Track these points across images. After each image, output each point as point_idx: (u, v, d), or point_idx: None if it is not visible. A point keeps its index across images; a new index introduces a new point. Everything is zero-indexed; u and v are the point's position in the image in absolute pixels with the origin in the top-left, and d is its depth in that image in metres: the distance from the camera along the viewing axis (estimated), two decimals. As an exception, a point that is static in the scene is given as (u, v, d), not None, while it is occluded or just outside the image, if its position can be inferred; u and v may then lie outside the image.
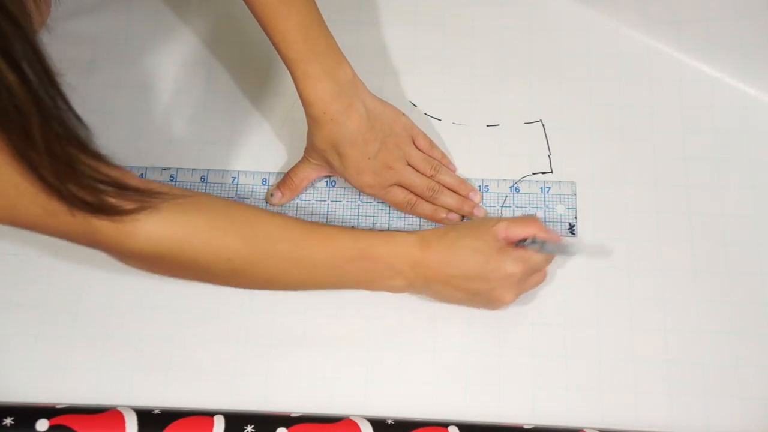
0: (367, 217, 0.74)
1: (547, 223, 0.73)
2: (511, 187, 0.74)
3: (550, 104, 0.78)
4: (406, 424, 0.64)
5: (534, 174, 0.75)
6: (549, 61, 0.79)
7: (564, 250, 0.67)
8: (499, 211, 0.74)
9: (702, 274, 0.71)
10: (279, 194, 0.74)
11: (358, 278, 0.65)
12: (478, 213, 0.74)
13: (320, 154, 0.70)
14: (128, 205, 0.55)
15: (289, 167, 0.74)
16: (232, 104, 0.78)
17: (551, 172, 0.75)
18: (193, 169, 0.76)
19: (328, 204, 0.75)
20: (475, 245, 0.65)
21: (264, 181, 0.75)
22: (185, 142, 0.77)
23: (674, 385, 0.68)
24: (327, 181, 0.76)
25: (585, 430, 0.65)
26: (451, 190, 0.74)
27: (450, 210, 0.73)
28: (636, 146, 0.76)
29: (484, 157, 0.76)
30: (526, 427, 0.65)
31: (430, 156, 0.74)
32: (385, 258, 0.64)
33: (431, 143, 0.75)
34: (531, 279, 0.67)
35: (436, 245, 0.65)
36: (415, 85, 0.79)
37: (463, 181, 0.75)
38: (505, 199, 0.74)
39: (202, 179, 0.75)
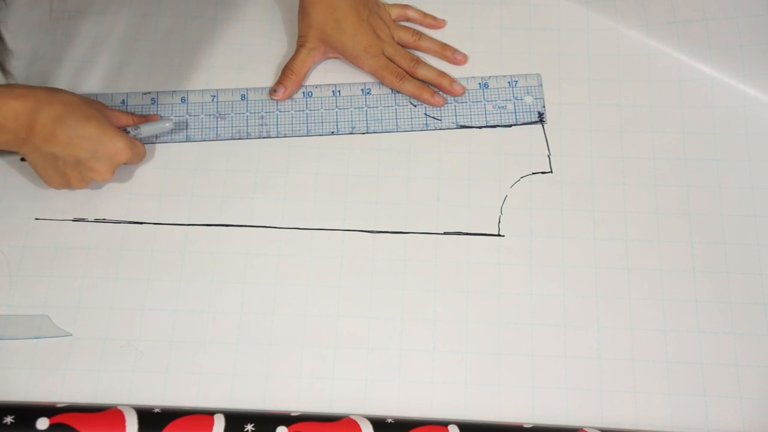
0: (345, 123, 0.77)
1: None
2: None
3: (550, 104, 0.78)
4: (406, 423, 0.64)
5: (534, 174, 0.75)
6: (549, 61, 0.79)
7: (157, 128, 0.75)
8: (499, 211, 0.74)
9: (702, 274, 0.71)
10: (282, 88, 0.78)
11: None
12: (454, 90, 0.77)
13: (317, 28, 0.76)
14: None
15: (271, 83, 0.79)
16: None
17: (551, 172, 0.75)
18: (174, 91, 0.79)
19: (306, 113, 0.78)
20: (90, 113, 0.69)
21: (242, 96, 0.79)
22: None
23: (674, 385, 0.68)
24: (304, 92, 0.78)
25: (585, 429, 0.65)
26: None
27: (431, 83, 0.78)
28: (636, 146, 0.76)
29: (484, 157, 0.76)
30: (526, 426, 0.65)
31: (407, 19, 0.81)
32: None
33: (405, 5, 0.81)
34: (133, 159, 0.73)
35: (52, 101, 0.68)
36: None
37: (445, 45, 0.79)
38: (505, 199, 0.74)
39: (182, 100, 0.78)
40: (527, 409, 0.67)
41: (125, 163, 0.73)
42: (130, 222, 0.74)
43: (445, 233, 0.73)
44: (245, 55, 0.81)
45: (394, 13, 0.80)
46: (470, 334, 0.70)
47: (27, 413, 0.63)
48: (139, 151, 0.73)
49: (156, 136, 0.76)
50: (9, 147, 0.69)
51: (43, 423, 0.62)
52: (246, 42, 0.81)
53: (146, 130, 0.75)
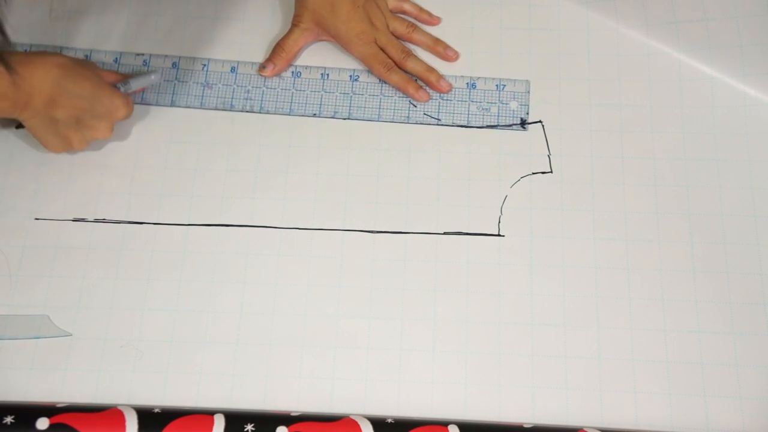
0: (329, 107, 0.78)
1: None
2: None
3: (550, 104, 0.78)
4: (406, 423, 0.64)
5: (534, 174, 0.75)
6: (549, 61, 0.79)
7: (145, 81, 0.77)
8: (499, 211, 0.74)
9: (702, 274, 0.71)
10: (271, 65, 0.78)
11: None
12: (441, 87, 0.78)
13: (312, 10, 0.77)
14: None
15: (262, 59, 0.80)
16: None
17: (551, 172, 0.75)
18: (166, 56, 0.80)
19: (292, 93, 0.78)
20: (85, 73, 0.70)
21: (233, 69, 0.80)
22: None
23: (674, 385, 0.68)
24: (293, 72, 0.79)
25: (585, 429, 0.65)
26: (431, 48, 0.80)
27: (418, 76, 0.78)
28: (636, 146, 0.76)
29: (484, 157, 0.76)
30: (526, 426, 0.65)
31: (403, 11, 0.81)
32: None
33: None
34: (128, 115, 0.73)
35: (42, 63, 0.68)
36: (415, 85, 0.79)
37: (438, 40, 0.80)
38: (505, 199, 0.74)
39: (174, 65, 0.80)
40: (527, 409, 0.67)
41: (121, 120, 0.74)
42: (130, 222, 0.74)
43: (445, 233, 0.73)
44: (245, 54, 0.81)
45: (391, 3, 0.81)
46: (470, 334, 0.70)
47: (27, 413, 0.63)
48: (131, 106, 0.74)
49: (144, 93, 0.77)
50: (9, 114, 0.69)
51: (43, 423, 0.62)
52: (246, 42, 0.81)
53: (135, 83, 0.76)
